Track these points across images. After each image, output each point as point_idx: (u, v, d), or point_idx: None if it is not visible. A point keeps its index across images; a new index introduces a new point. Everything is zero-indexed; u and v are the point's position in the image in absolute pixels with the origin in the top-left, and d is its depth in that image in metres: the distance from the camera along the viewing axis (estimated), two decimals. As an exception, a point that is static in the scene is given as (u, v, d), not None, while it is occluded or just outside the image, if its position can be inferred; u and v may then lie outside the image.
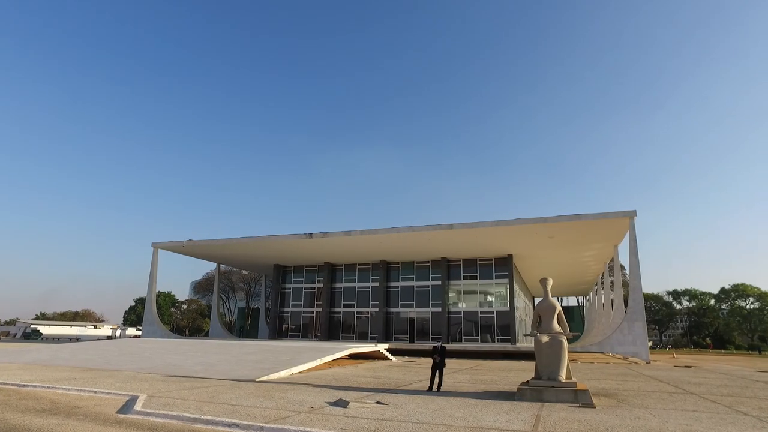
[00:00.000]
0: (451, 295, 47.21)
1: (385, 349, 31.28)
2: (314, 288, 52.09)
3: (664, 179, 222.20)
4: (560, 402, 12.07)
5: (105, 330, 65.81)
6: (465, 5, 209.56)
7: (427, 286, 48.48)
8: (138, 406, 9.94)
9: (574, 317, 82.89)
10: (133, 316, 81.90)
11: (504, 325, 44.29)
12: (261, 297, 63.48)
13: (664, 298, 75.34)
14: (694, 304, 68.66)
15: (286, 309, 51.92)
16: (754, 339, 69.42)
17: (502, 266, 45.76)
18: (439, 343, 15.46)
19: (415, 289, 48.92)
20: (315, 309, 51.18)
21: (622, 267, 62.59)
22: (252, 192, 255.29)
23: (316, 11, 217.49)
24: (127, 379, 15.13)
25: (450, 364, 28.06)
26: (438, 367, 14.81)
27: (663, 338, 77.76)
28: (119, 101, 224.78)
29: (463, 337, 45.66)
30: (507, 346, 39.65)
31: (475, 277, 46.99)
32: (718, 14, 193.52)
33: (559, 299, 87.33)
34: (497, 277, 46.15)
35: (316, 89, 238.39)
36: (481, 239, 40.20)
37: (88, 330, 64.14)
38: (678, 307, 73.96)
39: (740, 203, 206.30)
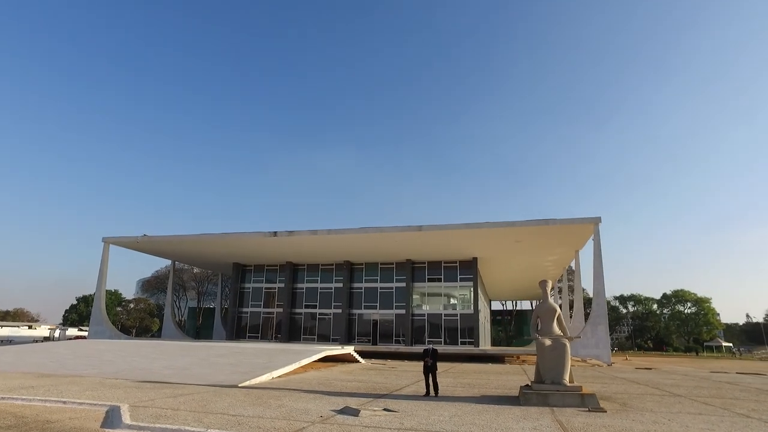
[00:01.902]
0: (415, 297, 46.92)
1: (354, 351, 30.49)
2: (275, 288, 50.33)
3: (607, 187, 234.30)
4: (567, 406, 11.84)
5: (42, 330, 60.36)
6: (427, 12, 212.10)
7: (391, 288, 47.94)
8: (126, 419, 8.72)
9: (528, 321, 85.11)
10: (75, 316, 75.95)
11: (468, 327, 44.48)
12: (217, 296, 60.76)
13: (611, 303, 78.99)
14: (639, 308, 72.63)
15: (244, 309, 49.82)
16: (689, 341, 74.21)
17: (467, 269, 45.96)
18: (430, 346, 14.92)
19: (378, 290, 48.26)
20: (275, 309, 49.43)
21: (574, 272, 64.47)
22: (204, 189, 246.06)
23: (282, 11, 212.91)
24: (95, 386, 13.54)
25: (419, 367, 27.78)
26: (431, 371, 14.28)
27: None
28: (66, 92, 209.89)
29: (426, 339, 45.43)
30: (472, 349, 39.89)
31: (439, 280, 46.92)
32: (661, 33, 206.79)
33: (514, 303, 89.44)
34: (462, 279, 46.30)
35: (276, 88, 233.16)
36: (447, 242, 40.12)
37: (22, 330, 58.53)
38: (624, 311, 78.10)
39: (679, 213, 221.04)
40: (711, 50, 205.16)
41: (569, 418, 10.24)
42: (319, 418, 9.57)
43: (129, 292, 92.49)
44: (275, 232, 40.49)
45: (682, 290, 70.50)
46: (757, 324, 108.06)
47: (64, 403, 10.53)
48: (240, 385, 14.67)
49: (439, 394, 13.87)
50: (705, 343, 67.09)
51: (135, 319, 71.31)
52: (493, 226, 36.75)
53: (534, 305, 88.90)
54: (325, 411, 10.40)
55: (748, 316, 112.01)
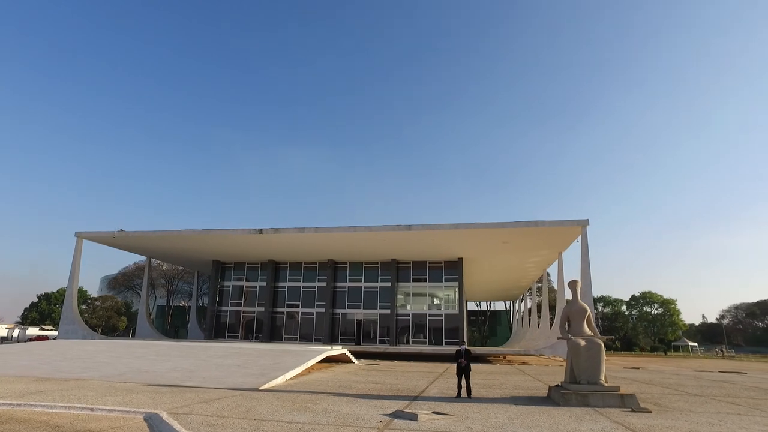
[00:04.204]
0: (399, 297, 46.64)
1: (349, 352, 29.96)
2: (256, 286, 48.99)
3: (578, 189, 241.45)
4: (610, 407, 11.80)
5: (-2, 330, 56.54)
6: (402, 14, 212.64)
7: (376, 288, 47.48)
8: (179, 428, 7.97)
9: (502, 322, 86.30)
10: (35, 314, 71.33)
11: (452, 327, 44.53)
12: (193, 295, 58.61)
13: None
14: (609, 309, 75.18)
15: (224, 308, 48.24)
16: (655, 341, 77.33)
17: (452, 269, 45.96)
18: (463, 347, 14.64)
19: (363, 290, 47.72)
20: (256, 309, 48.10)
21: (548, 274, 65.57)
22: (170, 185, 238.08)
23: (260, 7, 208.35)
24: (108, 390, 12.51)
25: (416, 367, 27.52)
26: (464, 372, 14.01)
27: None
28: (30, 83, 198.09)
29: (410, 339, 45.30)
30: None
31: (424, 280, 46.77)
32: (629, 38, 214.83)
33: (488, 304, 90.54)
34: (447, 280, 46.30)
35: (247, 83, 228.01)
36: (434, 241, 39.97)
37: (-24, 330, 54.66)
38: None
39: (638, 216, 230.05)
40: (674, 55, 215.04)
41: (623, 419, 10.15)
42: (379, 423, 9.10)
43: (92, 289, 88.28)
44: (261, 230, 39.38)
45: (649, 292, 73.60)
46: (711, 324, 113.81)
47: (92, 410, 9.62)
48: (260, 389, 13.95)
49: (471, 396, 13.60)
50: (672, 343, 70.11)
51: (101, 317, 67.94)
52: (483, 226, 36.86)
53: (506, 305, 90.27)
54: (377, 415, 9.92)
55: (704, 317, 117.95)
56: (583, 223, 35.81)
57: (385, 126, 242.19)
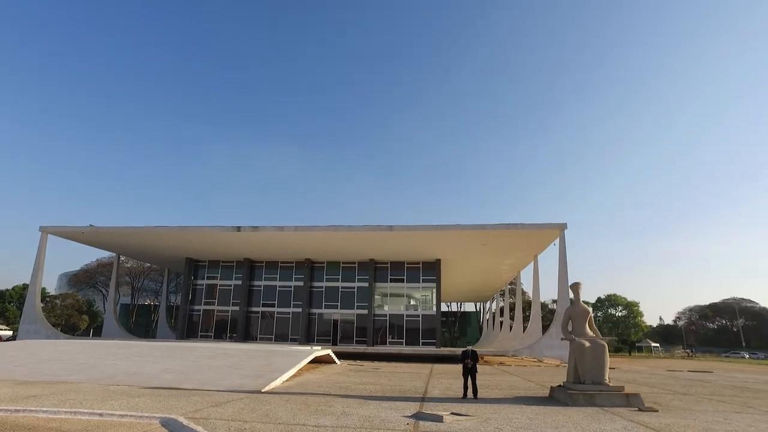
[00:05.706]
0: (376, 297, 46.49)
1: (333, 353, 29.57)
2: (230, 285, 47.80)
3: (545, 192, 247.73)
4: (617, 406, 12.07)
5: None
6: (371, 15, 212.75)
7: (353, 288, 47.17)
8: (208, 433, 7.59)
9: (472, 323, 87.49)
10: (-12, 313, 67.01)
11: (429, 328, 44.74)
12: (163, 293, 56.58)
13: (549, 306, 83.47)
14: (575, 311, 77.05)
15: (197, 307, 46.78)
16: (618, 342, 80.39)
17: (430, 270, 46.16)
18: (469, 348, 14.70)
19: (340, 290, 47.34)
20: (230, 308, 46.91)
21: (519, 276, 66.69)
22: (132, 180, 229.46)
23: (238, 3, 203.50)
24: (105, 394, 11.81)
25: (401, 368, 27.48)
26: (471, 373, 14.04)
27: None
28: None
29: (388, 339, 45.23)
30: (439, 350, 40.15)
31: (402, 281, 46.75)
32: (596, 45, 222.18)
33: (459, 305, 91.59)
34: (424, 281, 46.46)
35: (218, 78, 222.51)
36: (414, 242, 40.02)
37: None
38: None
39: (600, 221, 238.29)
40: (634, 65, 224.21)
41: (637, 418, 10.40)
42: (407, 425, 8.96)
43: (49, 286, 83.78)
44: (239, 227, 38.47)
45: (614, 294, 76.72)
46: (668, 326, 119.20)
47: (101, 415, 9.04)
48: (263, 391, 13.56)
49: (478, 397, 13.63)
50: (636, 344, 72.92)
51: (60, 316, 64.59)
52: (463, 228, 37.16)
53: (476, 306, 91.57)
54: (399, 417, 9.78)
55: (661, 318, 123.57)
56: (561, 227, 36.68)
57: (357, 126, 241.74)
